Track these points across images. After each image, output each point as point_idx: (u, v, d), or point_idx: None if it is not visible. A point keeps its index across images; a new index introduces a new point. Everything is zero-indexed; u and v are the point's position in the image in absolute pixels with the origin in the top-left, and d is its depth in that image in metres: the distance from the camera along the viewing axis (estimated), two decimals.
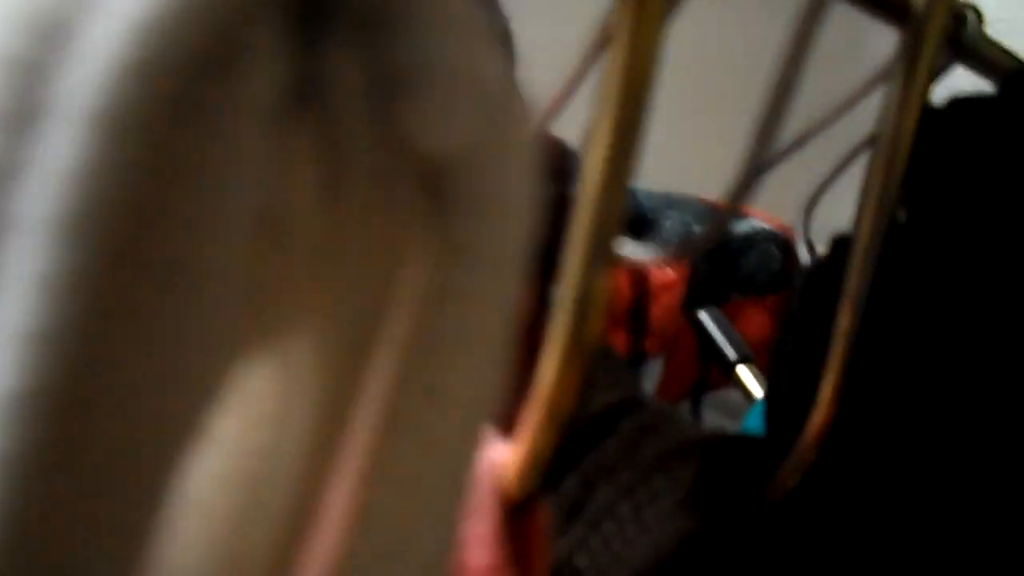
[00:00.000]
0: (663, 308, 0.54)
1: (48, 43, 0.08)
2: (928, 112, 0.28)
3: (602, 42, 0.21)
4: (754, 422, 0.50)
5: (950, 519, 0.31)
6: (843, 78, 0.36)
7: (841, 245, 0.32)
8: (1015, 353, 0.30)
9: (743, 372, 0.49)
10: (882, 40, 0.31)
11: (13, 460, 0.08)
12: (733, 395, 0.59)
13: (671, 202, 0.58)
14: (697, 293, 0.56)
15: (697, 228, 0.57)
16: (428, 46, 0.11)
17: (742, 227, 0.62)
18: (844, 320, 0.29)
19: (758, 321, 0.60)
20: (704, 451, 0.29)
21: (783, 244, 0.62)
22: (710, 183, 0.48)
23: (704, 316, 0.51)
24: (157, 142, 0.09)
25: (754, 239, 0.61)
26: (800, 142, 0.34)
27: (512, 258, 0.14)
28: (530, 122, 0.14)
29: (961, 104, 0.30)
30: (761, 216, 0.65)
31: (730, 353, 0.50)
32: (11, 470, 0.08)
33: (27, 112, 0.08)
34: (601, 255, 0.21)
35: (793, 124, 0.35)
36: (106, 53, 0.08)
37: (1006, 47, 0.31)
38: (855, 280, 0.28)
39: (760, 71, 0.34)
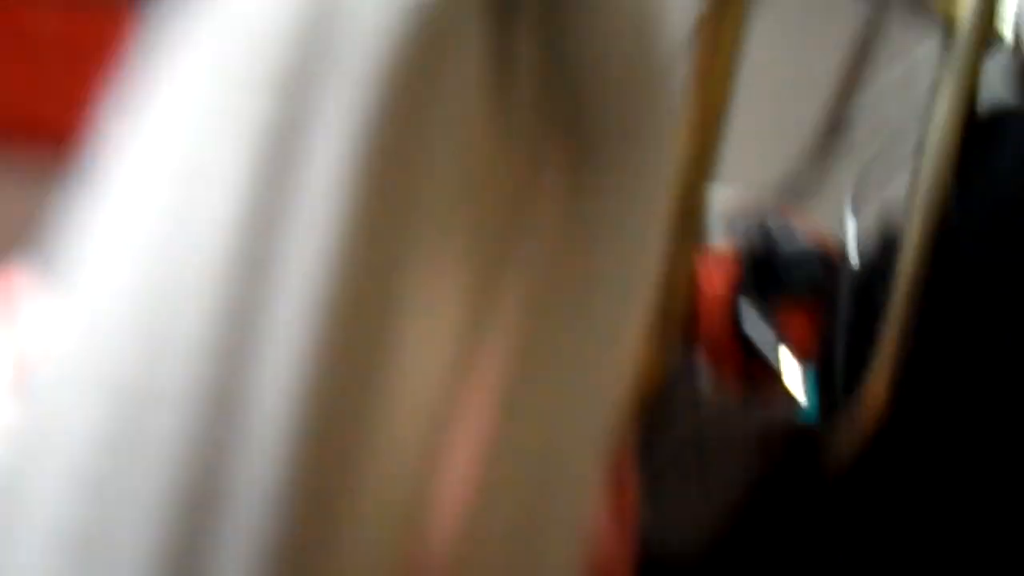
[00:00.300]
0: (715, 320, 0.56)
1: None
2: (974, 121, 0.30)
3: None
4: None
5: (991, 502, 0.32)
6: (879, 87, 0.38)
7: (889, 238, 0.34)
8: None
9: (783, 352, 0.51)
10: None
11: None
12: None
13: None
14: (745, 293, 0.58)
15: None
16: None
17: (787, 247, 0.64)
18: (896, 310, 0.31)
19: (801, 322, 0.62)
20: (769, 440, 0.32)
21: (824, 261, 0.64)
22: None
23: (751, 331, 0.53)
24: (414, 100, 0.12)
25: (799, 259, 0.63)
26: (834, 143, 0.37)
27: (651, 194, 0.15)
28: (674, 63, 0.15)
29: (1004, 115, 0.32)
30: (803, 224, 0.67)
31: (769, 338, 0.51)
32: None
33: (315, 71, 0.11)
34: (687, 239, 0.23)
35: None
36: (376, 27, 0.11)
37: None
38: (907, 271, 0.30)
39: (805, 84, 0.36)
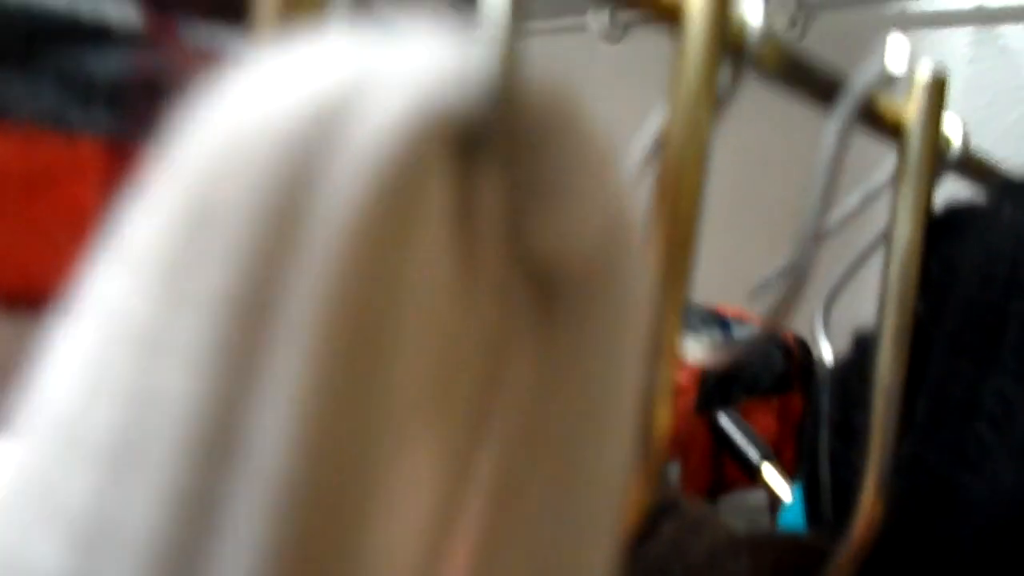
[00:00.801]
0: (678, 413, 0.55)
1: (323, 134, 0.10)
2: (931, 217, 0.31)
3: (655, 154, 0.23)
4: (789, 519, 0.51)
5: None
6: (842, 190, 0.39)
7: (863, 341, 0.34)
8: None
9: (768, 471, 0.50)
10: (868, 155, 0.35)
11: None
12: (750, 496, 0.59)
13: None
14: (708, 396, 0.58)
15: (704, 331, 0.59)
16: (562, 167, 0.13)
17: (743, 332, 0.64)
18: (879, 414, 0.30)
19: (767, 422, 0.61)
20: (753, 548, 0.30)
21: (784, 347, 0.64)
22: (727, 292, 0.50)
23: (724, 419, 0.52)
24: (384, 269, 0.11)
25: (761, 353, 0.63)
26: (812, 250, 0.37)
27: (624, 357, 0.15)
28: (642, 233, 0.16)
29: (954, 215, 0.33)
30: (758, 320, 0.68)
31: (753, 454, 0.51)
32: None
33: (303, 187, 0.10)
34: (664, 352, 0.22)
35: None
36: (343, 196, 0.10)
37: (987, 157, 0.34)
38: (886, 373, 0.30)
39: (770, 187, 0.37)
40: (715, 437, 0.52)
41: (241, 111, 0.11)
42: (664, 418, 0.22)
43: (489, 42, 0.12)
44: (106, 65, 0.28)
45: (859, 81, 0.26)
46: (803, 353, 0.68)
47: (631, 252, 0.14)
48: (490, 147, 0.13)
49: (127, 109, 0.27)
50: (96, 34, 0.28)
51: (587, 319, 0.14)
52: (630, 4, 0.23)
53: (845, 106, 0.26)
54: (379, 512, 0.11)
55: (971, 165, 0.33)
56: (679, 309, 0.24)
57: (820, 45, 0.41)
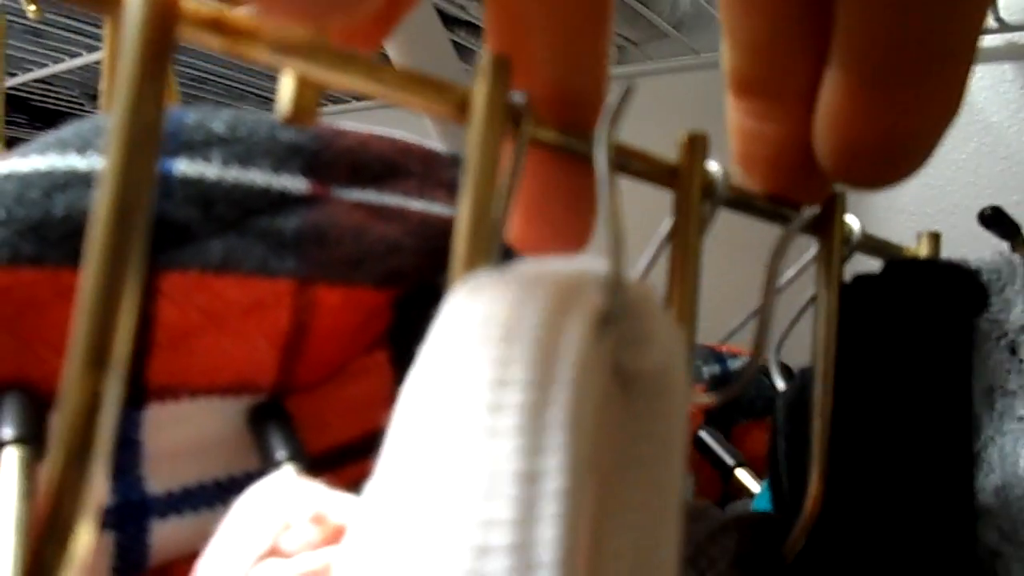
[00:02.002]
0: (690, 435, 0.68)
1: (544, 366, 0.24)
2: (843, 286, 0.45)
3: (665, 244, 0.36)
4: (758, 505, 0.64)
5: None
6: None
7: (806, 374, 0.47)
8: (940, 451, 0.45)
9: (741, 474, 0.63)
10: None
11: None
12: (742, 504, 0.72)
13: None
14: (710, 421, 0.71)
15: (705, 368, 0.73)
16: (643, 323, 0.26)
17: (737, 364, 0.77)
18: (817, 428, 0.44)
19: (761, 439, 0.74)
20: (740, 527, 0.43)
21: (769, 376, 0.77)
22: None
23: (704, 434, 0.65)
24: (591, 399, 0.24)
25: (755, 383, 0.77)
26: (756, 313, 0.51)
27: (679, 439, 0.25)
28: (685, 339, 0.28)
29: (858, 281, 0.47)
30: (748, 354, 0.81)
31: (728, 460, 0.63)
32: None
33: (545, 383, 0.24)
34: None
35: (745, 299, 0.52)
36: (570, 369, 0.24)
37: (885, 240, 0.48)
38: (820, 399, 0.43)
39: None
40: (698, 448, 0.65)
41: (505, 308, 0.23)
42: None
43: (610, 263, 0.24)
44: (289, 222, 0.42)
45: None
46: (787, 378, 0.81)
47: (679, 367, 0.25)
48: (612, 321, 0.23)
49: (307, 253, 0.41)
50: (280, 199, 0.42)
51: (656, 401, 0.24)
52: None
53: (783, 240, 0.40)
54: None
55: (869, 244, 0.47)
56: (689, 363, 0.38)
57: None
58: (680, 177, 0.37)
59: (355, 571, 0.21)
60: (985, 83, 1.37)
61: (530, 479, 0.22)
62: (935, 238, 0.49)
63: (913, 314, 0.43)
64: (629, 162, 0.36)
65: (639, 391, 0.26)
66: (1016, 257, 0.57)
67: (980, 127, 1.41)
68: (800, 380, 0.47)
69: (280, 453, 0.42)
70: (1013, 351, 0.57)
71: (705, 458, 0.65)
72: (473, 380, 0.23)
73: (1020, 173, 1.31)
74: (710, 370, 0.74)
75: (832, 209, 0.43)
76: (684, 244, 0.36)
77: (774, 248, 0.43)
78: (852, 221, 0.45)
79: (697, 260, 0.38)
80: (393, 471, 0.22)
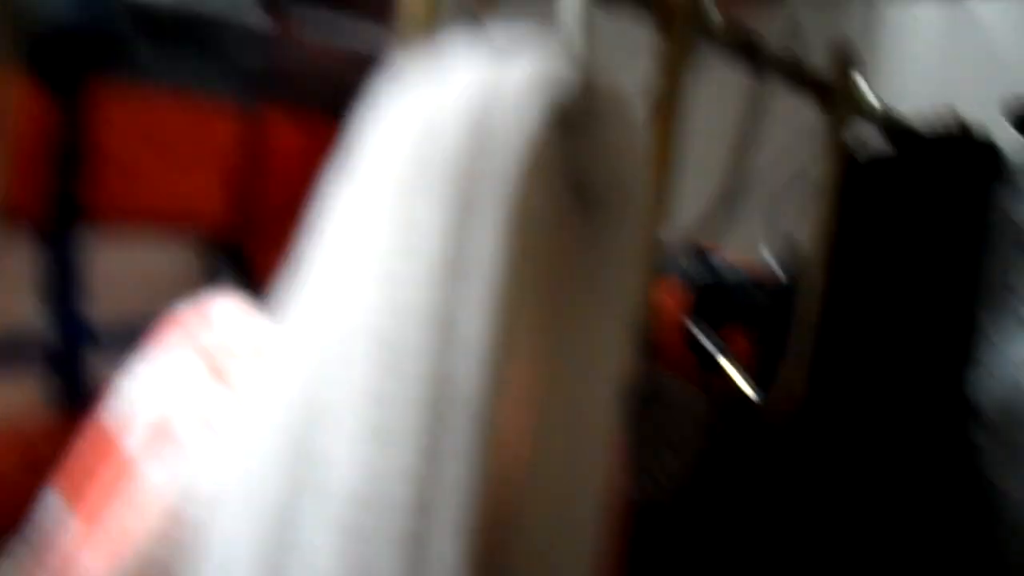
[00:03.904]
0: (668, 329, 0.66)
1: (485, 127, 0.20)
2: (852, 162, 0.41)
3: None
4: None
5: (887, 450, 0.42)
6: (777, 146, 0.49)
7: (799, 263, 0.44)
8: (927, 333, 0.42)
9: (723, 363, 0.61)
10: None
11: None
12: None
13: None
14: (697, 321, 0.69)
15: (687, 264, 0.71)
16: (608, 124, 0.22)
17: (730, 276, 0.75)
18: (805, 308, 0.41)
19: (742, 345, 0.72)
20: (713, 399, 0.40)
21: (762, 286, 0.75)
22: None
23: (694, 330, 0.62)
24: (537, 192, 0.20)
25: (740, 284, 0.75)
26: (741, 189, 0.48)
27: (638, 261, 0.24)
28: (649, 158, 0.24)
29: (869, 158, 0.43)
30: (741, 261, 0.79)
31: (713, 349, 0.61)
32: None
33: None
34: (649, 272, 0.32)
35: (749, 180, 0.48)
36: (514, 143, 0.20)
37: (896, 112, 0.45)
38: (814, 281, 0.40)
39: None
40: (686, 339, 0.63)
41: (437, 98, 0.19)
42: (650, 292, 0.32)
43: (570, 51, 0.21)
44: (243, 52, 0.38)
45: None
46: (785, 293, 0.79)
47: (642, 177, 0.23)
48: (573, 120, 0.21)
49: (262, 78, 0.37)
50: (239, 29, 0.38)
51: (615, 207, 0.23)
52: None
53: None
54: (519, 347, 0.19)
55: (880, 118, 0.43)
56: (662, 225, 0.35)
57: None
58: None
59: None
60: (1004, 20, 1.31)
61: (457, 249, 0.19)
62: (953, 114, 0.46)
63: (927, 188, 0.40)
64: None
65: (601, 209, 0.23)
66: None
67: (995, 68, 1.36)
68: (796, 259, 0.44)
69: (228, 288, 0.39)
70: (1021, 248, 0.54)
71: (690, 348, 0.63)
72: (387, 174, 0.19)
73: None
74: (691, 264, 0.72)
75: (844, 63, 0.39)
76: (671, 68, 0.33)
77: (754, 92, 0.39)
78: (864, 85, 0.42)
79: (682, 83, 0.34)
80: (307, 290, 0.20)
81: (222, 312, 0.29)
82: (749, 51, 0.37)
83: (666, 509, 0.37)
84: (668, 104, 0.33)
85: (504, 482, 0.20)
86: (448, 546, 0.17)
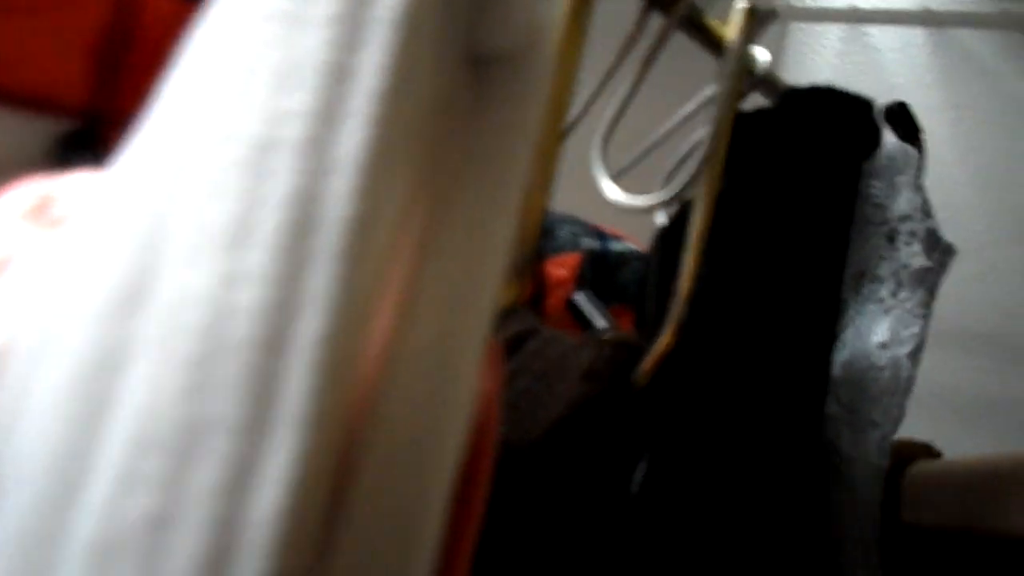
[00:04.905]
0: (557, 301, 0.66)
1: None
2: (739, 117, 0.42)
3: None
4: None
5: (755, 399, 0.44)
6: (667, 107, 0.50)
7: (684, 210, 0.45)
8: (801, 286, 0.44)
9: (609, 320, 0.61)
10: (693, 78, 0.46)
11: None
12: None
13: (561, 218, 0.71)
14: (587, 294, 0.69)
15: (584, 239, 0.70)
16: None
17: (617, 247, 0.75)
18: (687, 260, 0.42)
19: (631, 324, 0.73)
20: (595, 346, 0.41)
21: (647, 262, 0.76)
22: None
23: (578, 297, 0.63)
24: (418, 44, 0.19)
25: (627, 257, 0.75)
26: (654, 146, 0.48)
27: (531, 116, 0.21)
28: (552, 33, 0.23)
29: (753, 111, 0.45)
30: (633, 241, 0.80)
31: (600, 323, 0.62)
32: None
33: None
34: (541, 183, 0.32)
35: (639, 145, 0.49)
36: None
37: (784, 80, 0.46)
38: (699, 224, 0.41)
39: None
40: (570, 313, 0.63)
41: None
42: (537, 200, 0.32)
43: None
44: None
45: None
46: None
47: (543, 44, 0.22)
48: None
49: None
50: None
51: (513, 82, 0.21)
52: None
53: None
54: (379, 225, 0.17)
55: (772, 82, 0.44)
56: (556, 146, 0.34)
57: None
58: None
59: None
60: (895, 44, 1.40)
61: (340, 72, 0.18)
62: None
63: (799, 148, 0.42)
64: None
65: (496, 71, 0.22)
66: (912, 150, 0.57)
67: (884, 88, 1.45)
68: (678, 214, 0.45)
69: None
70: (891, 239, 0.58)
71: (577, 322, 0.64)
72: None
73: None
74: (589, 243, 0.72)
75: (745, 24, 0.40)
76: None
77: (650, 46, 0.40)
78: (761, 53, 0.43)
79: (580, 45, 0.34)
80: (172, 92, 0.19)
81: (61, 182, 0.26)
82: None
83: (533, 452, 0.37)
84: (571, 28, 0.32)
85: (364, 359, 0.18)
86: (299, 391, 0.16)
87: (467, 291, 0.20)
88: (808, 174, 0.43)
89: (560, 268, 0.66)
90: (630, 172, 0.50)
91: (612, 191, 0.42)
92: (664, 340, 0.41)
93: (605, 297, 0.76)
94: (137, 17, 0.35)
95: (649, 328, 0.44)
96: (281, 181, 0.16)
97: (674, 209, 0.45)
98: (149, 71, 0.37)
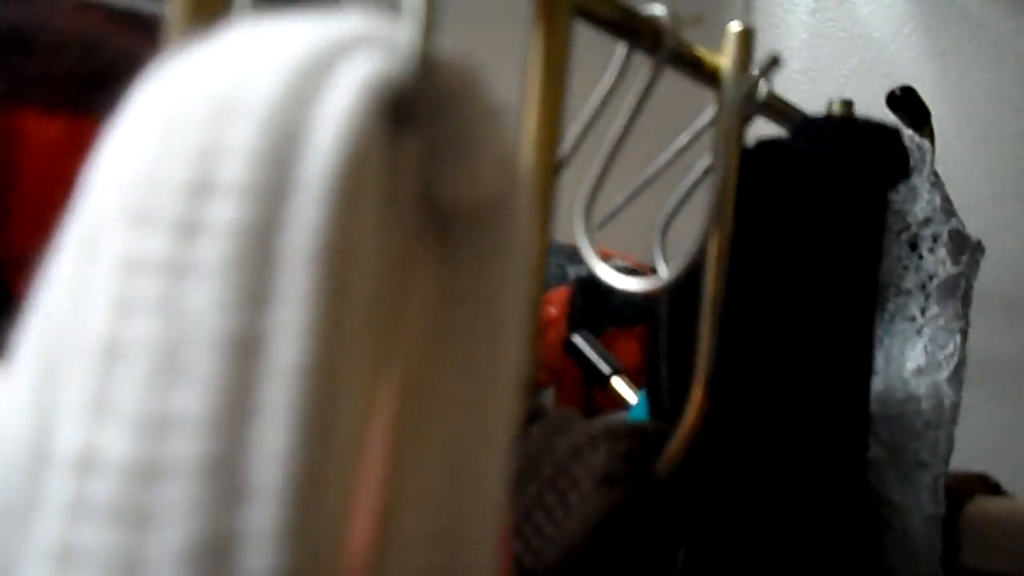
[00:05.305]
0: (549, 342, 0.60)
1: (288, 141, 0.13)
2: (744, 152, 0.37)
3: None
4: (635, 416, 0.57)
5: (793, 492, 0.39)
6: (665, 136, 0.44)
7: (696, 259, 0.39)
8: (829, 345, 0.39)
9: (617, 383, 0.56)
10: (694, 103, 0.40)
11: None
12: (616, 416, 0.66)
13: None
14: (576, 327, 0.63)
15: (570, 268, 0.65)
16: (465, 127, 0.16)
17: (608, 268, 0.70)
18: (706, 321, 0.36)
19: (629, 349, 0.68)
20: (609, 439, 0.35)
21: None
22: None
23: (578, 339, 0.57)
24: (353, 216, 0.14)
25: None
26: (643, 186, 0.43)
27: (512, 276, 0.18)
28: (527, 184, 0.19)
29: (763, 145, 0.39)
30: (620, 256, 0.74)
31: (604, 368, 0.56)
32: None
33: (280, 187, 0.13)
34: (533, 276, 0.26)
35: (634, 176, 0.43)
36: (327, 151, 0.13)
37: (790, 102, 0.40)
38: (711, 287, 0.36)
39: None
40: (570, 354, 0.58)
41: (229, 75, 0.14)
42: (533, 327, 0.26)
43: (410, 24, 0.15)
44: None
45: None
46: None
47: (516, 194, 0.17)
48: (412, 113, 0.15)
49: (2, 63, 0.28)
50: None
51: (482, 246, 0.17)
52: None
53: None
54: (346, 398, 0.14)
55: (775, 107, 0.39)
56: (546, 241, 0.29)
57: None
58: None
59: None
60: None
61: (243, 347, 0.13)
62: (848, 106, 0.42)
63: (826, 178, 0.36)
64: None
65: (461, 230, 0.17)
66: (926, 143, 0.51)
67: (862, 43, 1.39)
68: (688, 266, 0.39)
69: None
70: (913, 246, 0.52)
71: (578, 365, 0.58)
72: (162, 180, 0.13)
73: None
74: (576, 270, 0.66)
75: (741, 48, 0.34)
76: (546, 65, 0.27)
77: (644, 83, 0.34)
78: (761, 76, 0.37)
79: (561, 93, 0.28)
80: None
81: None
82: (634, 32, 0.31)
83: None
84: (549, 86, 0.27)
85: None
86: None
87: (470, 463, 0.17)
88: (834, 210, 0.37)
89: (550, 307, 0.61)
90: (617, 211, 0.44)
91: (604, 272, 0.36)
92: (687, 424, 0.35)
93: (600, 323, 0.70)
94: (16, 150, 0.29)
95: (665, 404, 0.39)
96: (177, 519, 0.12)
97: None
98: (41, 201, 0.31)
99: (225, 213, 0.13)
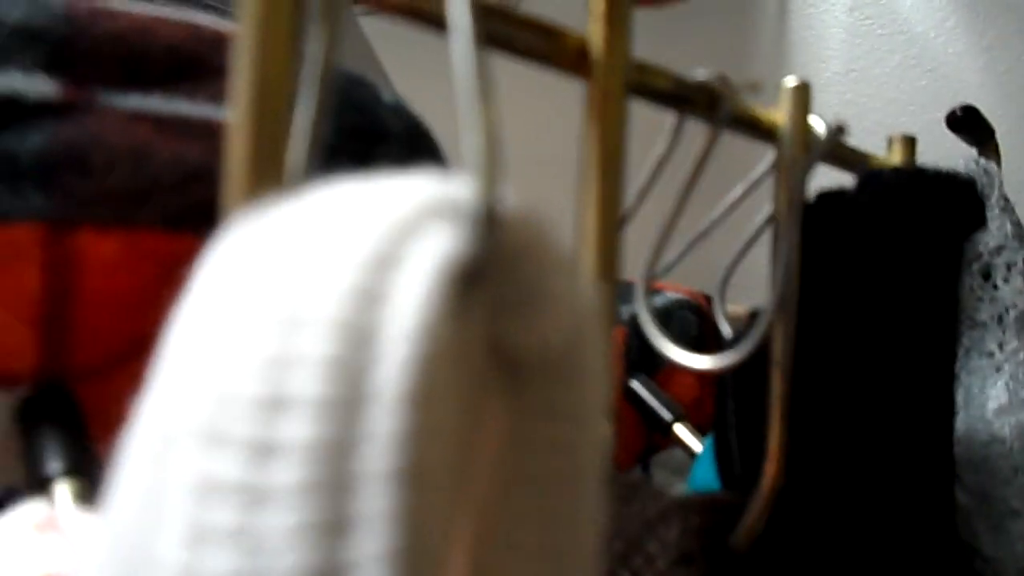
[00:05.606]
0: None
1: (358, 346, 0.13)
2: (806, 205, 0.35)
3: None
4: (700, 473, 0.56)
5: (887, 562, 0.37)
6: (730, 180, 0.43)
7: (756, 315, 0.38)
8: (910, 391, 0.37)
9: (680, 430, 0.55)
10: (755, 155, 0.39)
11: None
12: (675, 454, 0.64)
13: None
14: (631, 366, 0.62)
15: (623, 307, 0.63)
16: (533, 279, 0.16)
17: (659, 301, 0.68)
18: (777, 383, 0.35)
19: (687, 383, 0.66)
20: (683, 513, 0.34)
21: (697, 310, 0.69)
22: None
23: (636, 384, 0.56)
24: (432, 409, 0.13)
25: (672, 310, 0.68)
26: (698, 239, 0.41)
27: (593, 447, 0.17)
28: (601, 328, 0.18)
29: (824, 197, 0.38)
30: (672, 288, 0.72)
31: (665, 415, 0.55)
32: None
33: (354, 399, 0.12)
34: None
35: (698, 216, 0.42)
36: (400, 354, 0.13)
37: (853, 148, 0.39)
38: (778, 345, 0.34)
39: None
40: (629, 401, 0.56)
41: (294, 270, 0.13)
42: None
43: (476, 185, 0.14)
44: (28, 142, 0.29)
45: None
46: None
47: (588, 342, 0.17)
48: (481, 275, 0.15)
49: (60, 186, 0.28)
50: (11, 110, 0.28)
51: (554, 395, 0.17)
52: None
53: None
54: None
55: (838, 154, 0.37)
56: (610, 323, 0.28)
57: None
58: (591, 63, 0.26)
59: None
60: None
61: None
62: (910, 144, 0.40)
63: (895, 238, 0.35)
64: (520, 36, 0.25)
65: (532, 378, 0.16)
66: (992, 166, 0.49)
67: (904, 39, 1.35)
68: (751, 322, 0.38)
69: (52, 465, 0.30)
70: (987, 276, 0.50)
71: (638, 411, 0.57)
72: (232, 394, 0.13)
73: (946, 87, 1.25)
74: (629, 310, 0.65)
75: (798, 102, 0.33)
76: (603, 144, 0.26)
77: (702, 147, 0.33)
78: (816, 123, 0.36)
79: (620, 170, 0.27)
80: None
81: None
82: (688, 101, 0.30)
83: None
84: (607, 174, 0.26)
85: None
86: None
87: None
88: (910, 268, 0.35)
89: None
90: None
91: (668, 348, 0.35)
92: (763, 495, 0.34)
93: (655, 362, 0.69)
94: (77, 267, 0.29)
95: (736, 471, 0.38)
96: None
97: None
98: (101, 314, 0.32)
99: (299, 431, 0.12)
